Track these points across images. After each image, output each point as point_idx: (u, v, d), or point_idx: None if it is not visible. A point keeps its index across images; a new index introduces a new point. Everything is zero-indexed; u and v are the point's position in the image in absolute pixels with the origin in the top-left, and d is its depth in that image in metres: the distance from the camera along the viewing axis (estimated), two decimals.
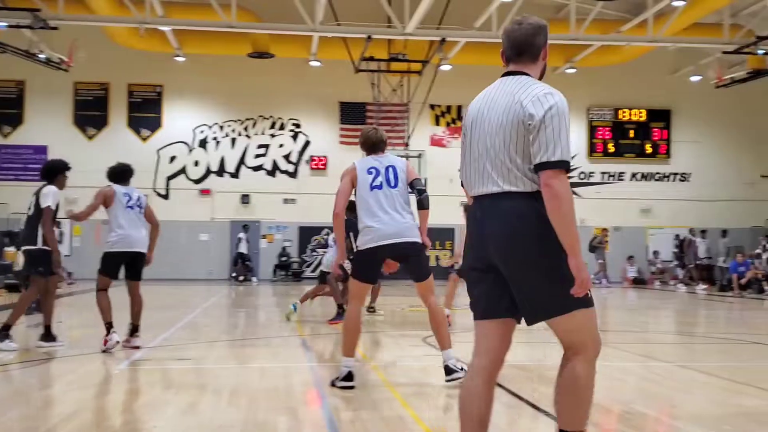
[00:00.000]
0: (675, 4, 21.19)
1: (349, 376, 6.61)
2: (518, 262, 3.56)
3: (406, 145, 26.53)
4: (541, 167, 3.49)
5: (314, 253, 29.07)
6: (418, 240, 6.73)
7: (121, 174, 9.33)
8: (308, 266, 29.05)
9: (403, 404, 6.11)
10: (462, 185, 3.90)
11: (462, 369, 6.62)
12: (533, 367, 7.91)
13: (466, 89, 29.44)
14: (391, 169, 6.78)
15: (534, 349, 9.46)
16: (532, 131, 3.52)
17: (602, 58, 26.33)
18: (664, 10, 22.18)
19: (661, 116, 30.37)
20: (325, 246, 28.31)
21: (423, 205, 6.80)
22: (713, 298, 21.88)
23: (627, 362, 8.61)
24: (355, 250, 7.03)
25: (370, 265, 6.79)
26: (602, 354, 3.76)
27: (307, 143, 29.19)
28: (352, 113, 28.92)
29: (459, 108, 29.77)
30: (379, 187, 6.70)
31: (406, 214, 6.74)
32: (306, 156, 29.11)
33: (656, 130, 30.44)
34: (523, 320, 3.75)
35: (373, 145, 6.96)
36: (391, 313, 15.09)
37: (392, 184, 6.72)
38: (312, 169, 29.03)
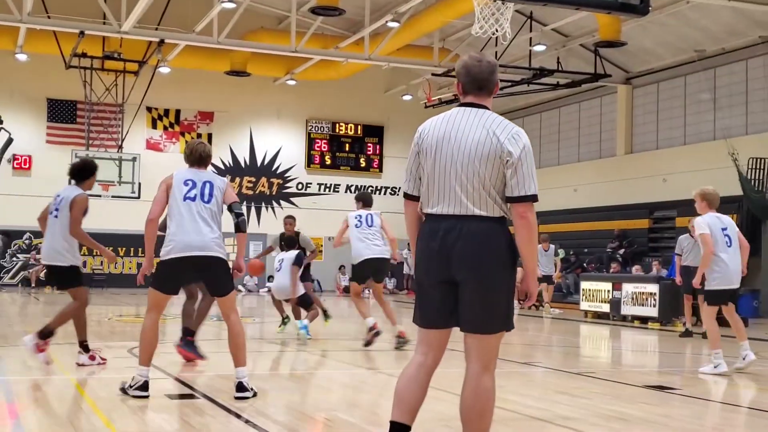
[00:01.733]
0: (390, 24, 22.18)
1: (144, 386, 6.51)
2: (482, 280, 3.94)
3: (120, 147, 25.47)
4: (518, 200, 3.94)
5: (14, 259, 27.04)
6: (222, 255, 6.68)
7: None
8: (7, 272, 26.95)
9: (102, 418, 5.77)
10: (408, 197, 4.17)
11: (253, 390, 6.63)
12: None
13: (185, 93, 29.16)
14: (207, 185, 6.75)
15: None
16: (509, 167, 3.93)
17: (321, 72, 26.95)
18: (379, 30, 23.12)
19: (374, 132, 31.65)
20: (28, 251, 26.53)
21: (240, 228, 6.82)
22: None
23: (334, 370, 8.77)
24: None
25: (172, 276, 6.69)
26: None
27: (9, 141, 27.13)
28: (61, 111, 27.33)
29: (178, 111, 29.12)
30: (192, 199, 6.66)
31: (215, 229, 6.69)
32: (8, 154, 27.04)
33: (370, 144, 31.68)
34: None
35: (198, 159, 6.91)
36: (98, 323, 14.36)
37: (206, 199, 6.69)
38: (14, 168, 27.00)
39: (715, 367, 9.06)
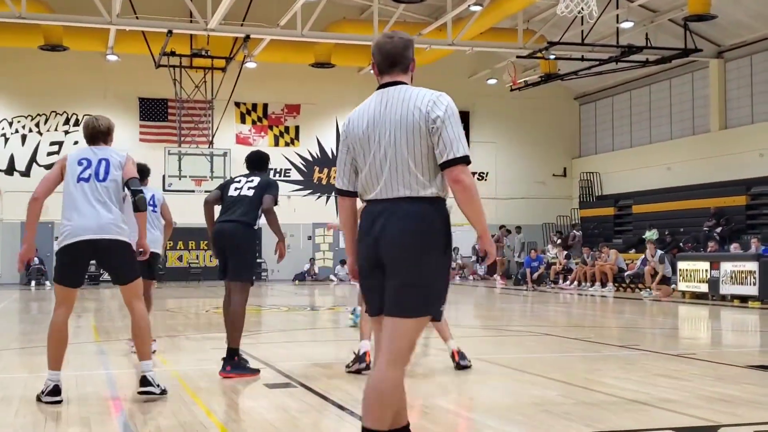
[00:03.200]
0: (473, 8, 22.00)
1: (55, 391, 6.06)
2: (405, 262, 3.75)
3: (211, 143, 26.02)
4: (448, 164, 3.76)
5: None
6: (121, 238, 6.13)
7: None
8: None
9: (204, 409, 5.93)
10: (342, 193, 4.06)
11: (160, 387, 6.17)
12: (339, 366, 7.91)
13: (272, 87, 29.57)
14: (103, 163, 6.20)
15: (340, 347, 9.50)
16: (435, 133, 3.78)
17: None
18: (462, 15, 22.96)
19: (460, 117, 31.46)
20: None
21: (138, 207, 6.23)
22: (509, 292, 22.91)
23: (427, 357, 8.80)
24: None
25: (71, 266, 6.15)
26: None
27: None
28: (152, 110, 28.04)
29: (265, 106, 29.54)
30: (86, 179, 6.13)
31: (114, 210, 6.15)
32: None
33: None
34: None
35: (90, 136, 6.36)
36: (196, 315, 14.74)
37: (101, 177, 6.14)
38: None
39: None
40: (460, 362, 7.58)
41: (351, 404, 5.95)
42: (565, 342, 10.51)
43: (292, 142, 30.03)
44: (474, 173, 31.23)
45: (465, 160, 3.78)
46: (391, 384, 3.75)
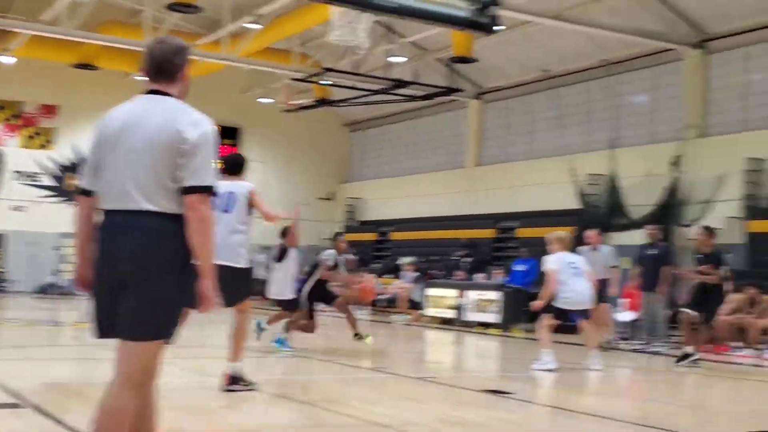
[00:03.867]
0: (250, 26, 22.00)
1: None
2: (141, 280, 3.56)
3: None
4: (189, 191, 3.60)
5: None
6: None
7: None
8: None
9: None
10: (85, 192, 3.82)
11: None
12: (77, 386, 7.58)
13: (32, 84, 27.91)
14: None
15: (81, 366, 9.14)
16: (184, 155, 3.61)
17: None
18: (238, 31, 22.90)
19: (231, 133, 31.32)
20: None
21: None
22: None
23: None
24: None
25: None
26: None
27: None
28: None
29: (21, 103, 27.85)
30: None
31: None
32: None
33: (226, 146, 31.31)
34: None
35: None
36: None
37: None
38: None
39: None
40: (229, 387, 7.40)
41: (87, 427, 5.72)
42: (321, 364, 10.70)
43: (47, 145, 28.44)
44: None
45: (207, 190, 3.63)
46: (122, 408, 3.58)
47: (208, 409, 6.94)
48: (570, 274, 10.55)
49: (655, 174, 18.93)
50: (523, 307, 17.67)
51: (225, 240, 7.03)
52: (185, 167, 3.61)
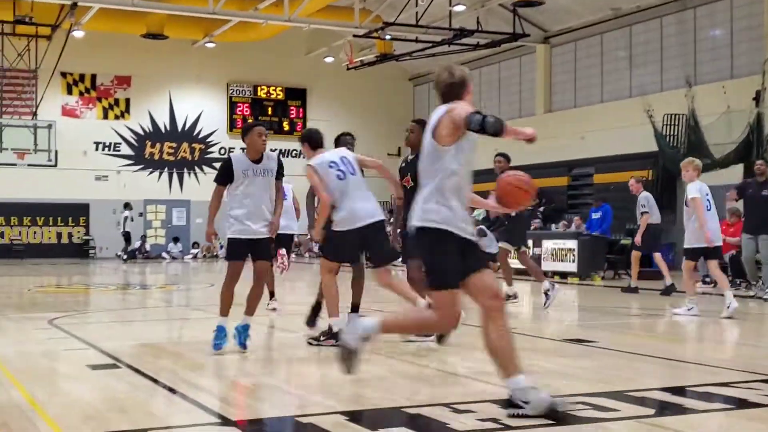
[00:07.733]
0: None
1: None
2: None
3: (35, 114, 24.76)
4: None
5: None
6: None
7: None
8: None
9: (23, 393, 5.69)
10: None
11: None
12: (169, 346, 7.77)
13: (101, 57, 28.40)
14: None
15: (171, 328, 9.35)
16: None
17: (241, 34, 26.53)
18: None
19: (297, 95, 31.41)
20: None
21: None
22: None
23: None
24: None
25: None
26: None
27: None
28: None
29: (93, 77, 28.41)
30: None
31: None
32: None
33: (293, 108, 31.44)
34: None
35: None
36: (19, 294, 14.09)
37: None
38: None
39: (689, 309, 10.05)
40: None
41: (181, 387, 5.86)
42: None
43: (123, 116, 29.03)
44: None
45: None
46: None
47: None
48: (706, 207, 9.83)
49: (736, 110, 18.34)
50: (604, 254, 17.48)
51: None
52: None
